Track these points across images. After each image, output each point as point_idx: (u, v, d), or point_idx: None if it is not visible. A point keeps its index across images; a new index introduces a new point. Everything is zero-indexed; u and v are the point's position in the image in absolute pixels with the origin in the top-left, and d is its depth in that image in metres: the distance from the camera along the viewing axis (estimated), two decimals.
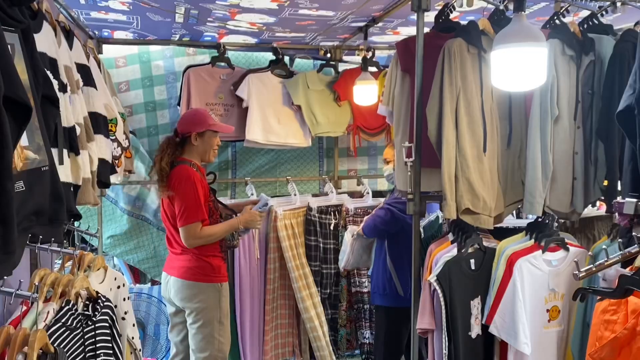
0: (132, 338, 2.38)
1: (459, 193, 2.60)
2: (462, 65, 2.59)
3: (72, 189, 2.13)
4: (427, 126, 2.65)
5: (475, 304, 2.77)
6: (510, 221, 3.53)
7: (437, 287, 2.68)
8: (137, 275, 5.01)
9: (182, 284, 3.19)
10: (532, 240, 2.80)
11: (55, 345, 1.66)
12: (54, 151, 1.85)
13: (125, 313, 2.35)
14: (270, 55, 4.49)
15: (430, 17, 2.88)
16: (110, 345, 1.96)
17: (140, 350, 2.45)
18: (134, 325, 2.40)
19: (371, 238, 3.67)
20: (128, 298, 2.42)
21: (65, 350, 1.73)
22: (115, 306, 2.29)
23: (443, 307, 2.69)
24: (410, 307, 3.40)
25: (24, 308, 1.88)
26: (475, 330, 2.76)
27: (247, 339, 3.97)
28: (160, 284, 4.68)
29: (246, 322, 3.95)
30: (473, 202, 2.62)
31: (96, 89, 2.66)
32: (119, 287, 2.37)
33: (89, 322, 1.90)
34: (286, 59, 4.55)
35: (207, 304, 3.18)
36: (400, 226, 3.45)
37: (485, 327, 2.76)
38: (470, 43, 2.61)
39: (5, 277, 1.47)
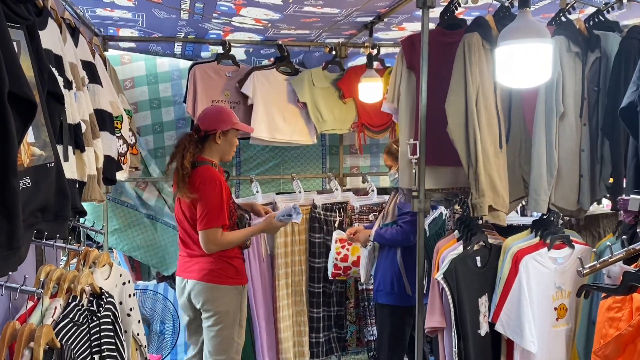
0: (138, 334, 2.38)
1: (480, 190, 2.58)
2: (480, 60, 2.58)
3: (77, 186, 2.14)
4: (446, 122, 2.61)
5: (483, 301, 2.77)
6: (515, 219, 3.53)
7: (445, 285, 2.68)
8: (139, 272, 5.00)
9: (205, 286, 3.08)
10: (538, 238, 2.79)
11: (63, 340, 1.67)
12: (60, 148, 1.86)
13: (131, 309, 2.35)
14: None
15: (435, 13, 2.87)
16: (113, 340, 1.96)
17: (145, 347, 2.45)
18: (139, 321, 2.41)
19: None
20: (133, 294, 2.42)
21: (72, 345, 1.74)
22: (121, 303, 2.30)
23: (451, 305, 2.68)
24: (414, 306, 3.39)
25: (31, 304, 1.89)
26: (484, 328, 2.76)
27: (264, 338, 4.00)
28: (166, 281, 4.72)
29: (262, 321, 3.98)
30: (494, 199, 2.60)
31: (102, 86, 2.67)
32: (124, 283, 2.37)
33: (94, 317, 1.91)
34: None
35: (229, 307, 3.10)
36: None
37: (492, 325, 2.75)
38: (485, 38, 2.60)
39: (10, 273, 1.48)
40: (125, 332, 2.24)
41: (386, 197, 4.16)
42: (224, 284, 3.10)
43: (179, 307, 3.35)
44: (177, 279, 3.25)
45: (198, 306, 3.13)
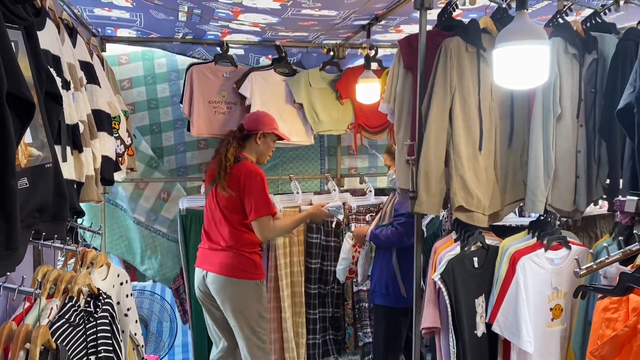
0: (135, 334, 2.39)
1: (452, 190, 2.60)
2: (459, 64, 2.59)
3: (75, 186, 2.14)
4: (422, 124, 2.65)
5: (480, 302, 2.77)
6: (512, 219, 3.54)
7: (442, 286, 2.68)
8: (133, 273, 4.99)
9: (226, 281, 3.22)
10: (535, 239, 2.80)
11: (58, 341, 1.67)
12: (57, 148, 1.86)
13: (128, 310, 2.36)
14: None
15: (433, 15, 2.88)
16: (111, 342, 1.97)
17: (142, 347, 2.46)
18: (136, 321, 2.41)
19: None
20: (131, 295, 2.42)
21: (67, 346, 1.74)
22: (118, 303, 2.30)
23: (449, 306, 2.69)
24: (410, 307, 3.40)
25: (27, 304, 1.89)
26: (480, 329, 2.76)
27: None
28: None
29: None
30: (467, 199, 2.62)
31: (100, 87, 2.67)
32: (121, 283, 2.37)
33: (90, 318, 1.91)
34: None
35: (250, 301, 3.25)
36: None
37: (489, 326, 2.76)
38: (469, 42, 2.60)
39: (8, 273, 1.48)
40: (123, 332, 2.25)
41: (384, 197, 4.16)
42: (244, 278, 3.23)
43: (201, 303, 3.42)
44: (197, 270, 3.37)
45: (220, 300, 3.27)
